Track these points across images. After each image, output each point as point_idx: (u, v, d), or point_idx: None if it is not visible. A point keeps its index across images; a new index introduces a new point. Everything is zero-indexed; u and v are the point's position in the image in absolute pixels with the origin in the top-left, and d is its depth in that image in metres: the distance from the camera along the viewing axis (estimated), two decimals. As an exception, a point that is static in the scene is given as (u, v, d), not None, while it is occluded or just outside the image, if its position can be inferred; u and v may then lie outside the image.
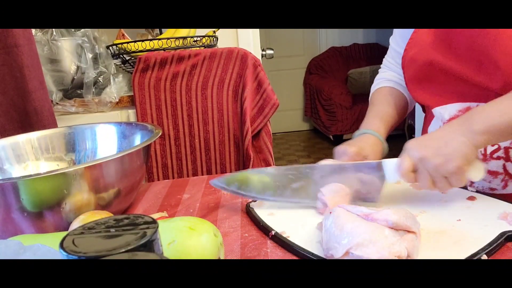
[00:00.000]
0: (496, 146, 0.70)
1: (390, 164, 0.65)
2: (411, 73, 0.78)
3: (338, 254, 0.50)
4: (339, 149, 0.74)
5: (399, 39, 0.87)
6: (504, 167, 0.70)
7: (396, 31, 0.89)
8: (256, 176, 0.72)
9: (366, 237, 0.48)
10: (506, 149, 0.69)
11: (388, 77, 0.92)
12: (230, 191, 0.72)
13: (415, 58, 0.76)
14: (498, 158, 0.70)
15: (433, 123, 0.82)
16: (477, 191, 0.71)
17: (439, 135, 0.62)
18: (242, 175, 0.72)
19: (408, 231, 0.51)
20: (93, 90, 1.43)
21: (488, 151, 0.71)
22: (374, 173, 0.67)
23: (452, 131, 0.61)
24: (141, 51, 1.43)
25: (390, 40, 0.92)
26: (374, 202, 0.68)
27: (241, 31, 1.87)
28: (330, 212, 0.57)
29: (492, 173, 0.72)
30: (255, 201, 0.74)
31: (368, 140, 0.77)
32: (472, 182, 0.75)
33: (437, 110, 0.77)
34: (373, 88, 0.94)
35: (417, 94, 0.79)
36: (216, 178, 0.73)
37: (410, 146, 0.63)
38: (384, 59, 0.95)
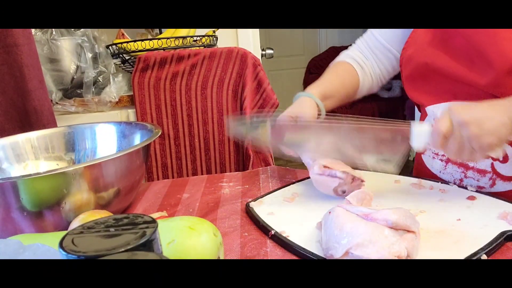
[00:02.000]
0: None
1: (420, 126, 0.63)
2: (408, 72, 0.79)
3: (338, 254, 0.50)
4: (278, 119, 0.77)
5: (389, 34, 0.87)
6: (492, 166, 0.71)
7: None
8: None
9: (365, 237, 0.48)
10: None
11: (353, 55, 0.93)
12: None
13: (412, 57, 0.77)
14: (487, 156, 0.71)
15: (425, 121, 0.82)
16: (477, 191, 0.71)
17: (484, 108, 0.60)
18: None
19: (408, 231, 0.51)
20: (93, 89, 1.43)
21: None
22: (399, 135, 0.65)
23: (497, 109, 0.60)
24: (140, 50, 1.43)
25: (374, 30, 0.91)
26: (395, 164, 0.67)
27: (241, 31, 1.87)
28: (330, 212, 0.57)
29: (480, 171, 0.73)
30: (254, 200, 0.74)
31: (303, 103, 0.80)
32: (461, 180, 0.76)
33: (430, 109, 0.78)
34: (337, 59, 0.95)
35: (412, 92, 0.80)
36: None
37: (455, 108, 0.61)
38: (357, 40, 0.95)
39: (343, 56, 0.94)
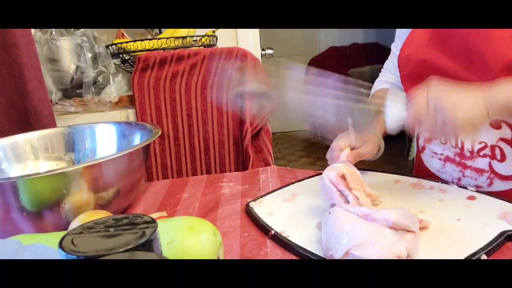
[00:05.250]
0: (483, 144, 0.71)
1: (393, 111, 0.64)
2: (406, 72, 0.80)
3: (338, 255, 0.50)
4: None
5: (398, 43, 0.89)
6: (490, 165, 0.71)
7: (397, 36, 0.90)
8: None
9: (365, 238, 0.48)
10: (493, 147, 0.70)
11: (388, 79, 0.93)
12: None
13: (410, 57, 0.78)
14: (484, 156, 0.71)
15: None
16: (477, 190, 0.71)
17: (463, 88, 0.61)
18: None
19: (408, 231, 0.51)
20: (93, 89, 1.42)
21: (475, 149, 0.72)
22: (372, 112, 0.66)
23: (475, 90, 0.61)
24: (140, 50, 1.43)
25: (392, 46, 0.93)
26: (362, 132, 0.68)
27: (241, 31, 1.87)
28: (330, 212, 0.57)
29: (478, 170, 0.73)
30: (254, 200, 0.74)
31: (370, 140, 0.78)
32: (459, 179, 0.76)
33: None
34: (373, 89, 0.95)
35: (410, 92, 0.80)
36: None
37: (435, 90, 0.61)
38: (385, 63, 0.97)
39: (380, 83, 0.94)
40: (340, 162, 0.69)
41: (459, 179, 0.76)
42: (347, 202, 0.61)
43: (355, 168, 0.66)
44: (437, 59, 0.73)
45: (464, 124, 0.58)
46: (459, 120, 0.58)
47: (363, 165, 0.78)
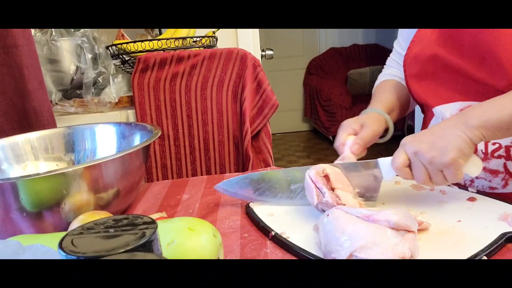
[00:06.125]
0: (497, 145, 0.70)
1: (385, 161, 0.66)
2: (414, 71, 0.78)
3: (341, 258, 0.49)
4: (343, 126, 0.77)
5: (402, 43, 0.88)
6: (505, 165, 0.70)
7: (399, 35, 0.89)
8: (256, 178, 0.73)
9: (369, 239, 0.48)
10: (507, 148, 0.69)
11: (392, 73, 0.93)
12: (231, 193, 0.74)
13: (418, 55, 0.76)
14: (499, 156, 0.70)
15: (432, 122, 0.81)
16: (478, 191, 0.71)
17: (434, 130, 0.62)
18: (244, 177, 0.74)
19: (408, 231, 0.51)
20: (93, 90, 1.43)
21: (489, 150, 0.71)
22: (370, 171, 0.67)
23: (448, 126, 0.61)
24: (140, 51, 1.43)
25: (394, 44, 0.93)
26: (373, 201, 0.68)
27: (241, 32, 1.87)
28: (328, 215, 0.56)
29: (492, 172, 0.71)
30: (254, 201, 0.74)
31: (371, 118, 0.78)
32: (472, 181, 0.75)
33: (438, 109, 0.76)
34: (377, 81, 0.95)
35: (418, 92, 0.79)
36: (220, 183, 0.75)
37: (405, 141, 0.63)
38: (388, 59, 0.96)
39: (384, 76, 0.94)
40: (347, 156, 0.71)
41: (471, 180, 0.75)
42: (323, 200, 0.61)
43: (340, 170, 0.67)
44: (447, 55, 0.72)
45: (449, 153, 0.58)
46: (442, 151, 0.58)
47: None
